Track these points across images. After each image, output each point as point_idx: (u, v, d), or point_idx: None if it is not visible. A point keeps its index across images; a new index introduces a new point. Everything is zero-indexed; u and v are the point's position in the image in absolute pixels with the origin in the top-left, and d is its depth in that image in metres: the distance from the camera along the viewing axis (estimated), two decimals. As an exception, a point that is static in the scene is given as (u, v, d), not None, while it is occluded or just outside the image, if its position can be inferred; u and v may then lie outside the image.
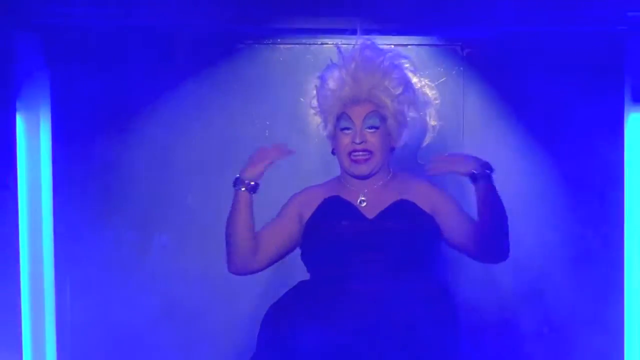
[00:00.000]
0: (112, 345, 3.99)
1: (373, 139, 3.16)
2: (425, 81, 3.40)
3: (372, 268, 3.06)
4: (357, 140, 3.14)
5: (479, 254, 3.16)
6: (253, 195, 3.17)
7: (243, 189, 3.15)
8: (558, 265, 3.96)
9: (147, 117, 3.96)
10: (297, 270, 3.29)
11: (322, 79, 3.26)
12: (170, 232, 4.01)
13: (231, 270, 3.21)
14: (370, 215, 3.14)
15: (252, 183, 3.16)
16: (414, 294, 3.05)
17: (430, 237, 3.15)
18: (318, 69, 3.63)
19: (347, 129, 3.17)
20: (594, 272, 3.94)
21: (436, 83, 3.47)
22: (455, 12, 3.69)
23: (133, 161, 3.96)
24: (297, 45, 3.97)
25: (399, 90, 3.19)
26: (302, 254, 3.23)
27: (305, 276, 3.22)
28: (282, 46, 3.98)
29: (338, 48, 3.29)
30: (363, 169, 3.17)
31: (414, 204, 3.16)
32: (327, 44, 3.94)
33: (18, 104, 3.71)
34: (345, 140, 3.17)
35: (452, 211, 3.18)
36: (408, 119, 3.24)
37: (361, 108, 3.17)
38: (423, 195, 3.19)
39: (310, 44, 3.96)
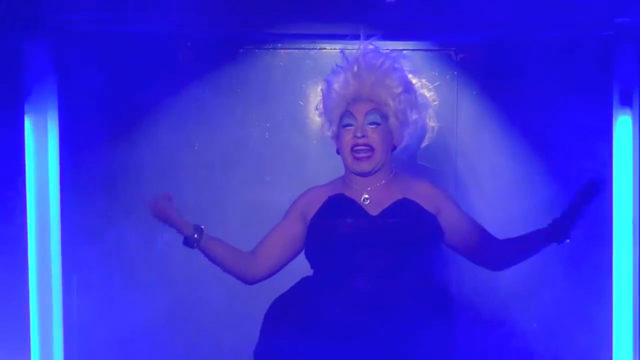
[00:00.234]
0: (118, 345, 4.02)
1: (374, 135, 3.20)
2: (423, 83, 3.49)
3: (376, 265, 3.10)
4: (359, 134, 3.19)
5: (481, 260, 3.27)
6: (205, 235, 3.20)
7: (195, 244, 3.19)
8: (548, 264, 3.97)
9: (152, 120, 4.01)
10: (296, 270, 3.31)
11: (328, 82, 3.32)
12: (174, 233, 4.02)
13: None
14: (374, 212, 3.18)
15: (195, 235, 3.18)
16: (416, 290, 3.10)
17: (433, 235, 3.20)
18: (317, 74, 3.73)
19: (350, 125, 3.22)
20: (583, 271, 3.98)
21: (431, 87, 3.55)
22: (449, 18, 3.76)
23: (138, 163, 4.00)
24: (296, 50, 4.02)
25: (399, 90, 3.25)
26: (307, 251, 3.26)
27: (307, 274, 3.25)
28: (282, 51, 4.03)
29: (342, 52, 3.35)
30: (365, 166, 3.22)
31: (416, 203, 3.21)
32: (325, 49, 3.99)
33: (26, 107, 3.76)
34: (348, 136, 3.22)
35: (453, 212, 3.24)
36: (410, 119, 3.32)
37: (363, 105, 3.23)
38: (425, 195, 3.24)
39: (309, 49, 4.01)
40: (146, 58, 3.94)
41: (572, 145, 3.97)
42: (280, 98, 4.03)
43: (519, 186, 4.02)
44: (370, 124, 3.21)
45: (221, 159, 4.04)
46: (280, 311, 3.21)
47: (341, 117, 3.26)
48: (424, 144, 3.58)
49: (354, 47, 3.37)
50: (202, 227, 3.18)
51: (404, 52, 3.82)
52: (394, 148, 3.31)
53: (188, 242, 3.17)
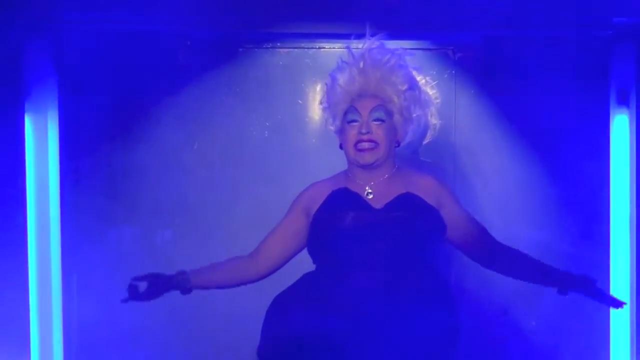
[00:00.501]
0: (117, 344, 4.04)
1: (379, 131, 3.20)
2: (427, 80, 3.50)
3: (379, 258, 3.10)
4: (363, 130, 3.18)
5: (477, 256, 3.27)
6: (191, 273, 3.24)
7: (188, 287, 3.23)
8: (545, 261, 3.99)
9: (152, 119, 4.02)
10: (296, 267, 3.31)
11: (333, 76, 3.30)
12: (174, 231, 4.08)
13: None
14: (378, 206, 3.17)
15: (183, 281, 3.22)
16: (419, 284, 3.10)
17: (436, 229, 3.20)
18: (316, 73, 3.74)
19: (354, 121, 3.21)
20: (581, 269, 3.84)
21: (434, 85, 3.57)
22: (447, 18, 3.77)
23: (138, 162, 4.02)
24: (296, 50, 4.04)
25: (405, 87, 3.24)
26: (310, 246, 3.25)
27: (308, 270, 3.25)
28: (281, 50, 4.05)
29: (348, 48, 3.36)
30: (367, 158, 3.21)
31: (420, 197, 3.21)
32: (324, 48, 4.01)
33: (27, 106, 3.78)
34: (352, 132, 3.21)
35: (454, 208, 3.24)
36: (413, 116, 3.32)
37: (368, 101, 3.22)
38: (428, 189, 3.24)
39: (308, 48, 4.03)
40: (146, 57, 3.96)
41: (569, 143, 3.98)
42: (279, 97, 4.05)
43: (517, 184, 4.04)
44: (375, 120, 3.22)
45: (221, 157, 4.06)
46: (282, 308, 3.21)
47: (345, 112, 3.26)
48: (425, 141, 3.59)
49: (355, 46, 3.38)
50: (184, 270, 3.23)
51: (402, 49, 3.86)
52: (398, 144, 3.33)
53: (182, 290, 3.22)
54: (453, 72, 4.05)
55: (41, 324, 3.83)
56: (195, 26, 3.91)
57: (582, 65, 3.93)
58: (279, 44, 4.05)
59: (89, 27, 3.87)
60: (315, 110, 3.53)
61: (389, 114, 3.23)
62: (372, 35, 3.32)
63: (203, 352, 4.09)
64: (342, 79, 3.27)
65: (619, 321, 3.87)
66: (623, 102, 3.83)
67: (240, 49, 4.06)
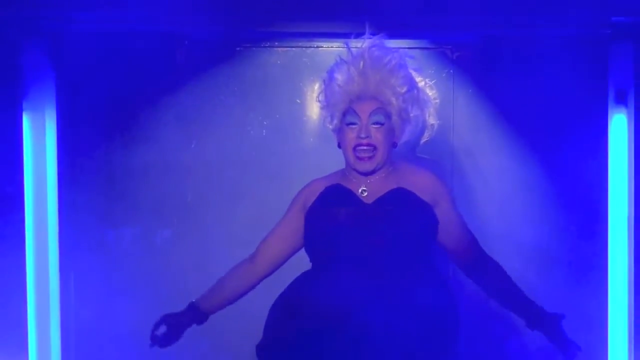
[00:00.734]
0: (115, 344, 4.04)
1: (378, 135, 3.19)
2: (426, 81, 3.51)
3: (370, 253, 3.09)
4: (363, 135, 3.18)
5: (461, 265, 3.28)
6: (197, 302, 3.30)
7: (202, 315, 3.30)
8: (544, 262, 4.03)
9: (150, 118, 4.03)
10: (294, 268, 3.33)
11: (330, 74, 3.29)
12: (173, 231, 4.08)
13: None
14: (369, 201, 3.18)
15: (194, 312, 3.28)
16: (412, 279, 3.09)
17: (427, 225, 3.19)
18: (314, 72, 3.74)
19: (353, 124, 3.21)
20: (579, 268, 4.02)
21: (433, 85, 3.58)
22: (445, 17, 3.77)
23: (136, 161, 4.03)
24: (293, 49, 4.05)
25: (404, 89, 3.23)
26: (304, 243, 3.26)
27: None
28: (279, 49, 4.05)
29: (347, 46, 3.35)
30: (367, 166, 3.22)
31: (411, 192, 3.20)
32: (322, 47, 4.02)
33: (24, 104, 3.77)
34: (351, 134, 3.21)
35: (447, 208, 3.23)
36: (411, 117, 3.34)
37: (367, 104, 3.21)
38: (423, 185, 3.23)
39: (306, 47, 4.04)
40: (144, 57, 3.96)
41: (567, 142, 3.99)
42: (277, 96, 4.06)
43: (515, 183, 4.04)
44: (374, 123, 3.22)
45: (219, 156, 4.06)
46: (280, 307, 3.21)
47: (344, 113, 3.26)
48: (423, 140, 3.59)
49: (354, 45, 3.38)
50: (193, 301, 3.28)
51: (400, 50, 3.85)
52: (395, 145, 3.33)
53: (197, 322, 3.28)
54: (451, 71, 4.05)
55: (39, 324, 3.82)
56: (193, 25, 3.91)
57: (580, 65, 3.93)
58: (277, 43, 4.05)
59: (86, 26, 3.88)
60: (313, 109, 3.53)
61: (388, 116, 3.23)
62: (372, 34, 3.32)
63: (201, 351, 4.09)
64: (340, 78, 3.26)
65: (617, 320, 3.87)
66: (621, 101, 3.83)
67: (238, 48, 4.06)
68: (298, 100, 4.02)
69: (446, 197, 3.25)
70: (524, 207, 4.04)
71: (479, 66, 4.02)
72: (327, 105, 3.30)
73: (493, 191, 4.04)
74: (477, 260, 3.27)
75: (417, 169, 3.32)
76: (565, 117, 3.99)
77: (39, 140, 3.83)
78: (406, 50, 3.37)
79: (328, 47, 3.97)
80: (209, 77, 4.05)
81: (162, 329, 3.25)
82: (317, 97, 3.37)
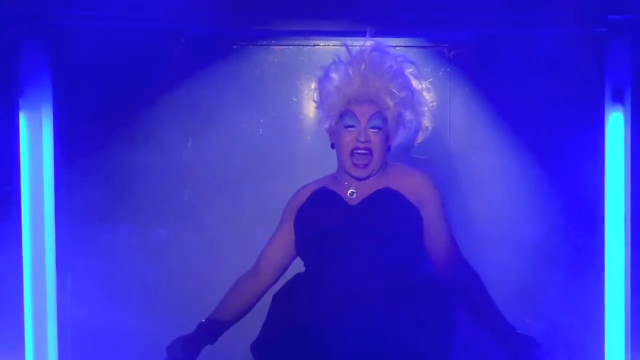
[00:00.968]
0: (113, 343, 4.03)
1: (375, 139, 3.20)
2: (424, 85, 3.48)
3: (356, 255, 3.11)
4: (362, 139, 3.18)
5: (439, 269, 3.26)
6: (207, 322, 3.36)
7: (213, 334, 3.35)
8: (541, 261, 4.03)
9: (146, 117, 4.01)
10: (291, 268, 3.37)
11: (327, 73, 3.29)
12: (169, 229, 4.07)
13: None
14: (354, 203, 3.20)
15: (205, 332, 3.32)
16: (401, 279, 3.11)
17: (412, 226, 3.19)
18: (310, 70, 3.73)
19: (352, 127, 3.21)
20: (576, 267, 4.01)
21: (431, 89, 3.56)
22: (441, 15, 3.76)
23: (133, 159, 4.02)
24: (290, 47, 4.03)
25: (403, 94, 3.23)
26: (296, 248, 3.28)
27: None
28: (276, 48, 4.04)
29: (346, 47, 3.34)
30: (362, 173, 3.22)
31: (397, 192, 3.21)
32: (319, 45, 4.00)
33: (21, 103, 3.76)
34: (348, 137, 3.22)
35: (433, 212, 3.23)
36: (406, 121, 3.33)
37: (367, 108, 3.21)
38: (411, 186, 3.24)
39: (303, 46, 4.02)
40: (140, 55, 3.95)
41: (564, 141, 3.98)
42: (274, 94, 4.04)
43: (512, 182, 4.03)
44: (372, 128, 3.22)
45: (215, 155, 4.05)
46: (274, 307, 3.23)
47: (342, 115, 3.24)
48: (416, 142, 3.59)
49: (357, 44, 3.36)
50: (201, 321, 3.34)
51: (397, 48, 3.83)
52: (389, 148, 3.33)
53: (209, 341, 3.32)
54: (448, 69, 4.04)
55: (35, 324, 3.82)
56: (189, 23, 3.90)
57: (577, 63, 3.91)
58: (273, 42, 4.04)
59: (83, 24, 3.86)
60: (310, 108, 3.53)
61: (385, 120, 3.23)
62: (372, 35, 3.30)
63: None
64: (338, 79, 3.25)
65: (614, 318, 3.87)
66: (618, 100, 3.82)
67: (235, 47, 4.04)
68: (295, 99, 4.02)
69: (434, 200, 3.24)
70: (521, 206, 4.03)
71: (476, 65, 4.00)
72: (322, 104, 3.29)
73: (490, 190, 4.04)
74: (455, 267, 3.24)
75: (410, 170, 3.31)
76: (562, 115, 3.97)
77: (36, 139, 3.83)
78: (406, 54, 3.36)
79: (325, 45, 3.97)
80: (205, 75, 4.04)
81: (177, 352, 3.25)
82: (313, 96, 3.36)
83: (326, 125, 3.33)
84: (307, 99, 4.02)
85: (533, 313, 4.04)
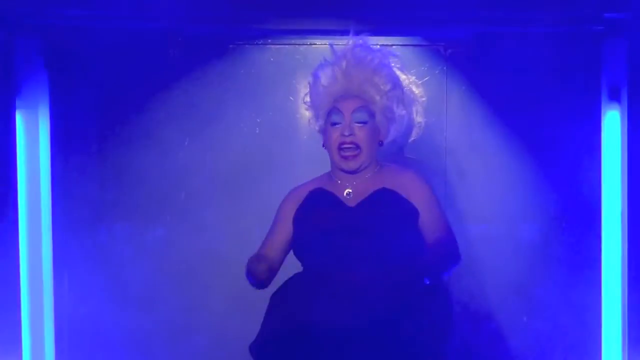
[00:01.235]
0: (110, 342, 4.03)
1: (361, 134, 3.24)
2: (412, 79, 3.52)
3: (355, 255, 3.13)
4: (346, 133, 3.23)
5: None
6: None
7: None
8: (538, 259, 4.03)
9: (143, 116, 4.01)
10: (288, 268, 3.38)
11: (315, 75, 3.35)
12: (166, 227, 4.06)
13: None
14: (352, 204, 3.22)
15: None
16: (398, 279, 3.10)
17: (411, 224, 3.22)
18: (307, 69, 3.73)
19: (337, 123, 3.25)
20: (573, 265, 4.01)
21: (420, 82, 3.59)
22: (438, 13, 3.76)
23: (129, 158, 4.02)
24: (286, 46, 4.03)
25: (387, 87, 3.28)
26: (293, 248, 3.31)
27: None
28: (272, 46, 4.04)
29: (331, 46, 3.38)
30: (352, 164, 3.26)
31: (395, 192, 3.24)
32: (315, 44, 4.00)
33: (18, 102, 3.77)
34: (335, 134, 3.26)
35: (426, 206, 3.26)
36: (396, 115, 3.35)
37: (350, 102, 3.26)
38: (406, 185, 3.27)
39: (299, 45, 4.02)
40: (137, 54, 3.95)
41: (561, 140, 3.98)
42: (270, 93, 4.04)
43: (508, 181, 4.03)
44: (357, 122, 3.24)
45: (212, 154, 4.04)
46: (272, 307, 3.24)
47: (328, 113, 3.30)
48: (411, 139, 3.60)
49: (343, 43, 3.39)
50: None
51: (394, 47, 3.85)
52: (381, 144, 3.34)
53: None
54: (444, 68, 4.03)
55: (32, 322, 3.82)
56: (185, 22, 3.90)
57: (573, 61, 3.93)
58: (269, 41, 4.04)
59: (79, 23, 3.86)
60: (304, 105, 3.53)
61: (371, 114, 3.25)
62: (356, 33, 3.33)
63: (195, 347, 4.08)
64: (324, 78, 3.30)
65: (611, 317, 3.87)
66: (614, 98, 3.82)
67: (231, 46, 4.04)
68: (291, 98, 4.02)
69: (426, 195, 3.27)
70: (517, 204, 4.03)
71: (472, 63, 4.00)
72: (312, 105, 3.34)
73: (486, 188, 4.04)
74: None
75: (402, 169, 3.34)
76: (559, 114, 3.97)
77: (33, 139, 3.84)
78: (393, 45, 3.39)
79: (321, 44, 3.97)
80: (202, 74, 4.03)
81: None
82: (304, 98, 3.39)
83: (316, 126, 3.37)
84: (303, 98, 4.02)
85: (530, 311, 4.04)
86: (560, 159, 3.98)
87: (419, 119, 3.47)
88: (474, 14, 3.77)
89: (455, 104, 4.04)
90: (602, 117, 3.87)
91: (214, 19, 3.89)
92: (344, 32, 3.46)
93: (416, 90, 3.47)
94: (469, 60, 4.00)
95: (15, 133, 3.76)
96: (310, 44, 4.02)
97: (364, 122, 3.25)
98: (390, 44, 3.87)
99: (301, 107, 3.94)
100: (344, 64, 3.30)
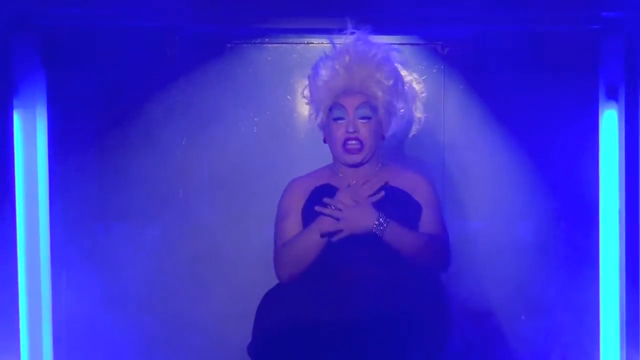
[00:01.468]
0: (108, 341, 4.02)
1: (365, 129, 3.25)
2: (412, 75, 3.52)
3: (363, 252, 3.15)
4: (350, 129, 3.23)
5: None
6: None
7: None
8: (536, 257, 4.04)
9: (140, 115, 4.01)
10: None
11: (315, 70, 3.34)
12: (164, 227, 4.06)
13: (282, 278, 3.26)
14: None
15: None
16: (405, 277, 3.14)
17: (416, 220, 3.25)
18: (304, 68, 3.73)
19: (341, 118, 3.26)
20: (570, 264, 4.02)
21: (419, 79, 3.58)
22: (436, 12, 3.77)
23: (127, 158, 4.01)
24: (284, 45, 4.03)
25: (390, 82, 3.28)
26: None
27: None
28: (269, 46, 4.03)
29: (331, 41, 3.37)
30: (355, 158, 3.26)
31: (401, 190, 3.26)
32: (312, 43, 4.00)
33: (15, 102, 3.75)
34: (339, 130, 3.26)
35: (432, 212, 3.28)
36: (398, 109, 3.35)
37: (353, 99, 3.26)
38: (411, 184, 3.29)
39: (296, 44, 4.02)
40: (134, 53, 3.93)
41: (558, 139, 3.98)
42: (268, 92, 4.04)
43: (506, 179, 4.03)
44: (361, 118, 3.25)
45: (209, 153, 4.04)
46: (272, 304, 3.23)
47: (331, 108, 3.30)
48: (410, 134, 3.60)
49: (339, 41, 3.38)
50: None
51: (391, 46, 3.85)
52: (383, 138, 3.35)
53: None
54: (442, 67, 4.03)
55: (30, 321, 3.82)
56: (183, 22, 3.89)
57: (571, 60, 3.92)
58: (267, 40, 4.03)
59: (76, 22, 3.86)
60: (304, 105, 3.53)
61: (374, 110, 3.26)
62: (356, 29, 3.32)
63: (193, 346, 4.08)
64: (326, 74, 3.29)
65: (609, 314, 3.88)
66: (612, 97, 3.83)
67: (229, 45, 4.04)
68: (289, 97, 4.02)
69: (429, 197, 3.28)
70: (515, 202, 4.03)
71: (470, 62, 3.99)
72: (312, 100, 3.33)
73: (484, 187, 4.04)
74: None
75: (409, 170, 3.36)
76: (556, 112, 3.98)
77: (30, 138, 3.82)
78: (392, 44, 3.39)
79: (319, 43, 3.97)
80: (199, 73, 4.03)
81: None
82: (303, 92, 3.39)
83: (318, 121, 3.37)
84: (301, 97, 4.00)
85: (528, 309, 4.05)
86: (557, 158, 3.98)
87: (418, 114, 3.48)
88: (472, 12, 3.78)
89: (452, 102, 4.04)
90: (600, 116, 3.87)
91: (212, 18, 3.88)
92: (341, 31, 3.46)
93: (416, 86, 3.47)
94: (467, 59, 4.00)
95: (12, 132, 3.74)
96: (308, 43, 4.02)
97: (368, 118, 3.26)
98: (388, 42, 3.85)
99: (299, 106, 3.95)
100: (346, 59, 3.30)
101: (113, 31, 3.90)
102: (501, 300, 4.05)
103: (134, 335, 4.01)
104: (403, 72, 3.43)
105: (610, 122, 3.84)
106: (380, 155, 3.37)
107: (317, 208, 3.14)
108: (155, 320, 4.04)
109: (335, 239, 3.13)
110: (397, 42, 3.93)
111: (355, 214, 3.11)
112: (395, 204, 3.21)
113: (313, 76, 3.35)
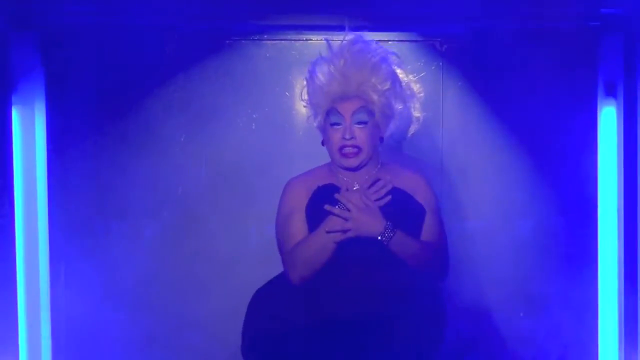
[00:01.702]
0: (107, 341, 4.02)
1: (362, 134, 3.23)
2: (410, 75, 3.51)
3: (367, 253, 3.14)
4: (347, 136, 3.22)
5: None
6: None
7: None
8: (535, 255, 4.03)
9: (139, 112, 4.01)
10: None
11: (311, 72, 3.33)
12: (163, 224, 4.05)
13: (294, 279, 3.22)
14: None
15: None
16: (407, 276, 3.14)
17: (419, 223, 3.25)
18: (303, 64, 3.74)
19: (337, 124, 3.24)
20: (569, 261, 4.01)
21: (416, 77, 3.58)
22: (434, 9, 3.77)
23: (126, 155, 4.01)
24: (282, 42, 4.02)
25: (386, 86, 3.26)
26: None
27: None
28: (268, 42, 4.03)
29: (328, 42, 3.35)
30: (352, 162, 3.25)
31: (404, 191, 3.25)
32: (311, 40, 3.99)
33: (14, 98, 3.76)
34: (336, 135, 3.25)
35: (431, 214, 3.28)
36: (395, 111, 3.34)
37: (350, 104, 3.24)
38: (412, 184, 3.29)
39: (295, 40, 4.01)
40: (133, 50, 3.94)
41: (557, 136, 3.97)
42: (267, 89, 4.03)
43: (504, 177, 4.02)
44: (357, 123, 3.23)
45: (208, 150, 4.04)
46: (264, 303, 3.25)
47: (328, 112, 3.28)
48: (409, 134, 3.60)
49: (339, 39, 3.38)
50: None
51: (389, 43, 3.85)
52: (381, 140, 3.34)
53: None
54: (440, 64, 4.02)
55: (29, 320, 3.82)
56: (182, 18, 3.90)
57: (569, 57, 3.92)
58: (266, 36, 4.03)
59: (75, 19, 3.86)
60: (302, 102, 3.53)
61: (371, 114, 3.25)
62: (352, 29, 3.31)
63: (193, 345, 4.08)
64: (322, 77, 3.27)
65: (607, 312, 3.88)
66: (611, 94, 3.83)
67: (228, 41, 4.03)
68: (287, 94, 4.02)
69: (428, 198, 3.27)
70: (513, 200, 4.02)
71: (468, 59, 3.99)
72: (310, 103, 3.32)
73: (482, 185, 4.04)
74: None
75: (408, 170, 3.35)
76: (555, 110, 3.97)
77: (29, 135, 3.83)
78: (390, 41, 3.37)
79: (317, 40, 3.96)
80: (198, 70, 4.02)
81: None
82: (301, 95, 3.38)
83: (316, 123, 3.36)
84: (299, 94, 4.03)
85: (526, 307, 4.04)
86: (556, 155, 3.97)
87: (416, 113, 3.47)
88: (470, 9, 3.78)
89: (451, 99, 4.03)
90: (599, 113, 3.87)
91: (210, 14, 3.89)
92: (340, 28, 3.46)
93: (414, 86, 3.47)
94: (465, 55, 3.99)
95: (11, 129, 3.75)
96: (307, 40, 4.02)
97: (364, 123, 3.24)
98: (386, 39, 3.89)
99: (297, 103, 3.95)
100: (341, 62, 3.27)
101: (112, 28, 3.91)
102: (500, 299, 4.04)
103: (132, 333, 4.01)
104: (400, 72, 3.42)
105: (609, 118, 3.84)
106: (379, 156, 3.36)
107: (326, 207, 3.13)
108: (154, 318, 4.03)
109: (340, 238, 3.12)
110: (395, 39, 3.95)
111: (364, 218, 3.10)
112: (401, 208, 3.21)
113: (310, 79, 3.34)
